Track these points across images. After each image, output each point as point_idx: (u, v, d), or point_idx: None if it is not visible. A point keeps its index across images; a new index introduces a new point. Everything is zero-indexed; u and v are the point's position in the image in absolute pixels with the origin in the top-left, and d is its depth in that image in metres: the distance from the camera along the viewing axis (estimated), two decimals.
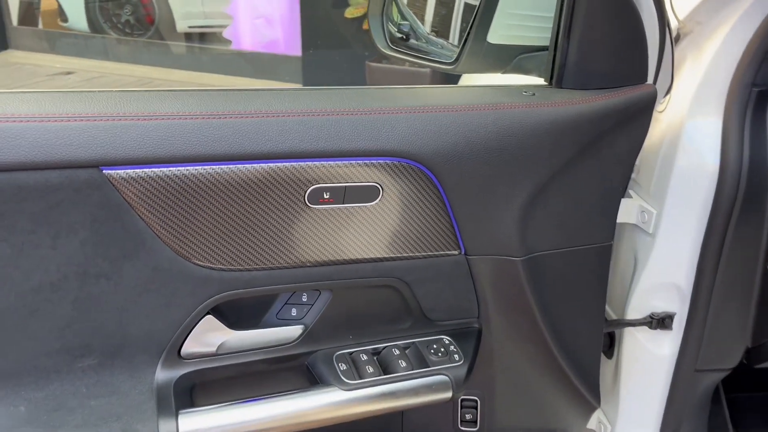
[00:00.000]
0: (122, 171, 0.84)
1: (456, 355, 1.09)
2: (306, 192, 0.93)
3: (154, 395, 0.93)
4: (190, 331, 0.96)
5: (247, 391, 1.01)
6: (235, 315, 1.01)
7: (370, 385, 1.02)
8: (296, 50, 5.24)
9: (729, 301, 1.34)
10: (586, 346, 1.21)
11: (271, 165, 0.90)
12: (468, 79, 1.93)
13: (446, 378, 1.06)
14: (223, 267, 0.94)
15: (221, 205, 0.90)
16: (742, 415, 1.85)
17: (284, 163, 0.90)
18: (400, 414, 1.22)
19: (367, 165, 0.95)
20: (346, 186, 0.95)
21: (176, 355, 0.96)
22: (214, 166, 0.87)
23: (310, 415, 0.97)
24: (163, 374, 0.95)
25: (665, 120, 1.33)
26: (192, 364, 0.98)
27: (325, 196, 0.94)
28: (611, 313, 1.49)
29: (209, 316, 0.96)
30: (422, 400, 1.05)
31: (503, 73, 1.22)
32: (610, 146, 1.08)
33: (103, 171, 0.84)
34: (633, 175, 1.42)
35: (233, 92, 0.95)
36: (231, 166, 0.88)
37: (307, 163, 0.91)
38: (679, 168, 1.27)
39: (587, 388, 1.22)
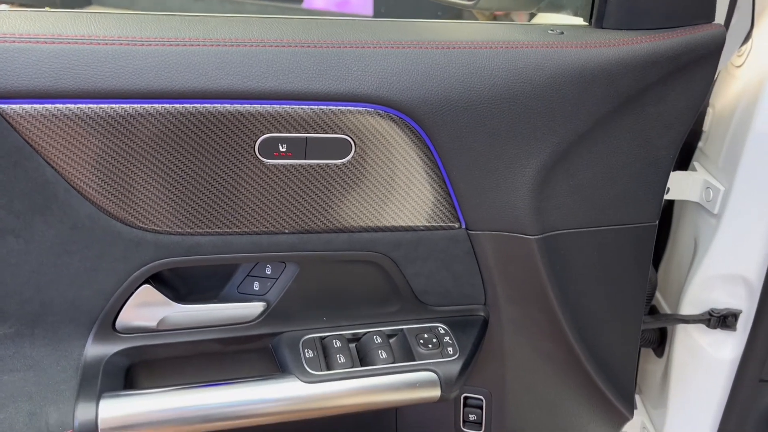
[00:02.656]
0: (17, 105, 0.66)
1: (450, 348, 0.87)
2: (256, 143, 0.73)
3: (78, 373, 0.77)
4: (125, 302, 0.79)
5: (200, 375, 0.83)
6: (186, 287, 0.83)
7: (337, 378, 0.82)
8: (368, 10, 5.00)
9: None
10: (618, 347, 0.95)
11: (208, 106, 0.70)
12: None
13: (433, 375, 0.85)
14: (158, 229, 0.75)
15: (149, 155, 0.71)
16: None
17: (225, 105, 0.70)
18: (393, 412, 1.02)
19: (333, 112, 0.73)
20: (307, 137, 0.74)
21: (110, 329, 0.80)
22: (134, 105, 0.68)
23: (257, 409, 0.78)
24: (94, 350, 0.79)
25: (743, 77, 1.04)
26: (130, 340, 0.80)
27: (281, 149, 0.74)
28: (664, 306, 1.22)
29: (148, 286, 0.79)
30: (402, 398, 0.84)
31: (536, 11, 0.97)
32: (657, 103, 0.82)
33: None
34: (700, 144, 1.14)
35: (166, 17, 0.75)
36: (157, 105, 0.69)
37: (254, 106, 0.71)
38: (756, 136, 0.99)
39: (618, 396, 0.98)
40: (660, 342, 1.25)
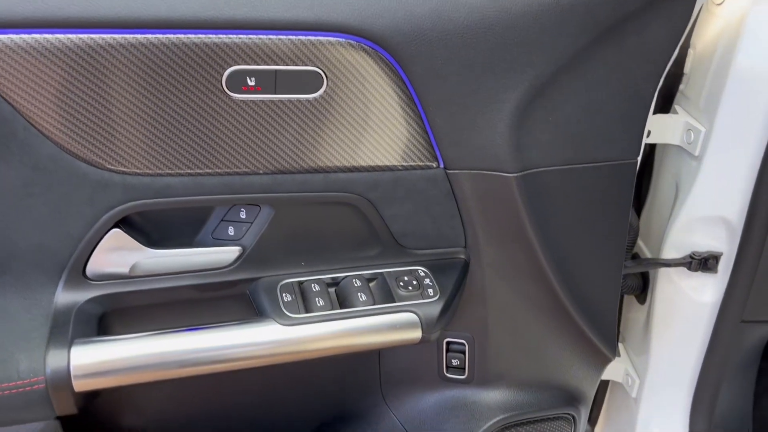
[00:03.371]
0: None
1: (430, 290, 0.85)
2: (223, 76, 0.69)
3: (48, 321, 0.74)
4: (95, 247, 0.76)
5: (175, 323, 0.80)
6: (158, 233, 0.80)
7: (316, 321, 0.79)
8: None
9: None
10: (600, 287, 0.94)
11: (172, 37, 0.66)
12: None
13: (414, 316, 0.83)
14: (126, 170, 0.72)
15: (112, 90, 0.68)
16: None
17: (189, 35, 0.67)
18: (376, 357, 1.00)
19: (303, 43, 0.70)
20: (276, 70, 0.70)
21: (81, 276, 0.77)
22: (94, 36, 0.64)
23: (235, 353, 0.76)
24: (65, 297, 0.76)
25: (723, 15, 1.01)
26: (102, 287, 0.77)
27: (249, 83, 0.70)
28: (646, 253, 1.21)
29: (117, 231, 0.75)
30: (382, 340, 0.82)
31: None
32: (638, 34, 0.79)
33: None
34: (681, 87, 1.12)
35: None
36: (118, 36, 0.65)
37: (219, 36, 0.67)
38: (737, 74, 0.96)
39: (601, 337, 0.96)
40: (642, 289, 1.23)
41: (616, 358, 1.34)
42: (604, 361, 1.00)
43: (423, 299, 0.84)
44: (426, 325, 0.83)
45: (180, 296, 0.81)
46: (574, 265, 0.90)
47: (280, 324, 0.78)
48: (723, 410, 1.20)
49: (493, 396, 0.97)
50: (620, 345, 1.36)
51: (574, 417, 1.01)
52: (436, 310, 0.84)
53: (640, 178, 1.25)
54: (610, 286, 0.94)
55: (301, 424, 1.04)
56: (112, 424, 0.90)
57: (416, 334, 0.83)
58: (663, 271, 1.16)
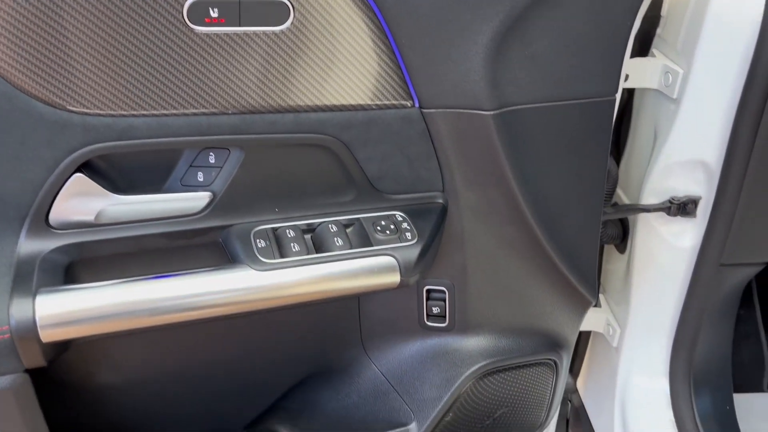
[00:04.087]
0: None
1: (408, 234, 0.82)
2: (184, 7, 0.66)
3: (11, 270, 0.70)
4: (57, 194, 0.72)
5: (146, 273, 0.77)
6: (124, 180, 0.76)
7: (292, 266, 0.76)
8: None
9: (766, 182, 1.02)
10: (580, 229, 0.92)
11: None
12: None
13: (392, 260, 0.80)
14: (86, 110, 0.68)
15: (68, 23, 0.64)
16: None
17: None
18: (356, 309, 0.97)
19: None
20: (240, 0, 0.67)
21: (44, 224, 0.73)
22: None
23: (207, 300, 0.73)
24: (28, 246, 0.72)
25: None
26: (67, 236, 0.74)
27: (212, 15, 0.67)
28: (625, 200, 1.19)
29: (80, 176, 0.72)
30: (360, 285, 0.80)
31: None
32: None
33: None
34: (658, 31, 1.09)
35: None
36: None
37: None
38: (714, 14, 0.94)
39: (581, 280, 0.94)
40: (622, 238, 1.22)
41: (597, 309, 1.33)
42: (585, 305, 0.98)
43: (401, 243, 0.81)
44: (404, 269, 0.80)
45: (149, 245, 0.78)
46: (553, 207, 0.88)
47: (254, 269, 0.75)
48: (703, 356, 1.20)
49: (474, 343, 0.95)
50: (601, 296, 1.35)
51: (556, 363, 1.00)
52: (414, 253, 0.81)
53: (618, 126, 1.23)
54: (590, 228, 0.92)
55: (281, 379, 1.01)
56: (86, 381, 0.86)
57: (395, 278, 0.80)
58: (642, 218, 1.15)
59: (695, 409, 1.18)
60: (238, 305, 0.74)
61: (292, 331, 0.96)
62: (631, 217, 1.18)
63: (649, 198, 1.11)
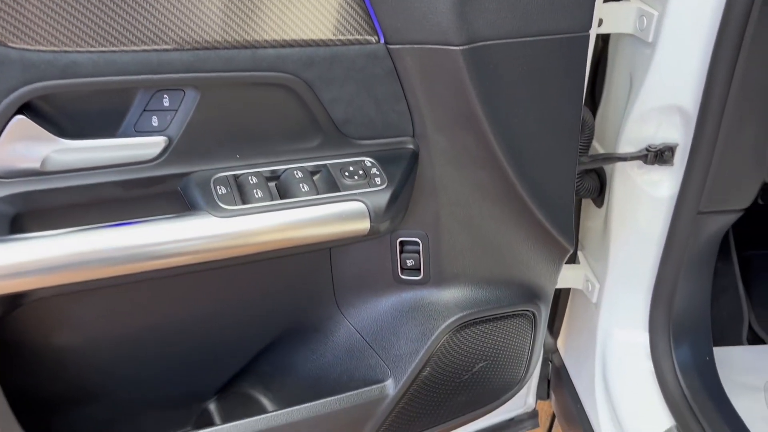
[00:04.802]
0: None
1: (378, 179, 0.78)
2: None
3: None
4: None
5: (98, 222, 0.72)
6: (73, 126, 0.70)
7: (255, 212, 0.72)
8: None
9: (743, 127, 1.00)
10: (555, 173, 0.88)
11: None
12: None
13: (361, 205, 0.76)
14: (23, 45, 0.63)
15: None
16: (756, 275, 1.53)
17: None
18: (328, 261, 0.93)
19: None
20: None
21: None
22: None
23: (165, 250, 0.68)
24: None
25: None
26: (10, 185, 0.69)
27: None
28: (600, 150, 1.16)
29: (22, 118, 0.66)
30: (329, 233, 0.76)
31: None
32: None
33: None
34: None
35: None
36: None
37: None
38: None
39: (558, 227, 0.91)
40: (600, 191, 1.19)
41: (576, 266, 1.30)
42: (563, 253, 0.95)
43: (370, 188, 0.77)
44: (374, 215, 0.76)
45: (103, 195, 0.73)
46: (527, 150, 0.84)
47: (214, 216, 0.70)
48: (682, 309, 1.18)
49: (450, 294, 0.91)
50: (580, 253, 1.32)
51: (534, 314, 0.96)
52: (384, 198, 0.77)
53: (594, 77, 1.19)
54: (566, 172, 0.89)
55: (253, 340, 0.97)
56: (43, 344, 0.82)
57: (364, 224, 0.76)
58: (620, 170, 1.12)
59: (675, 361, 1.16)
60: (198, 254, 0.70)
61: (261, 289, 0.92)
62: (608, 170, 1.15)
63: (625, 147, 1.08)
